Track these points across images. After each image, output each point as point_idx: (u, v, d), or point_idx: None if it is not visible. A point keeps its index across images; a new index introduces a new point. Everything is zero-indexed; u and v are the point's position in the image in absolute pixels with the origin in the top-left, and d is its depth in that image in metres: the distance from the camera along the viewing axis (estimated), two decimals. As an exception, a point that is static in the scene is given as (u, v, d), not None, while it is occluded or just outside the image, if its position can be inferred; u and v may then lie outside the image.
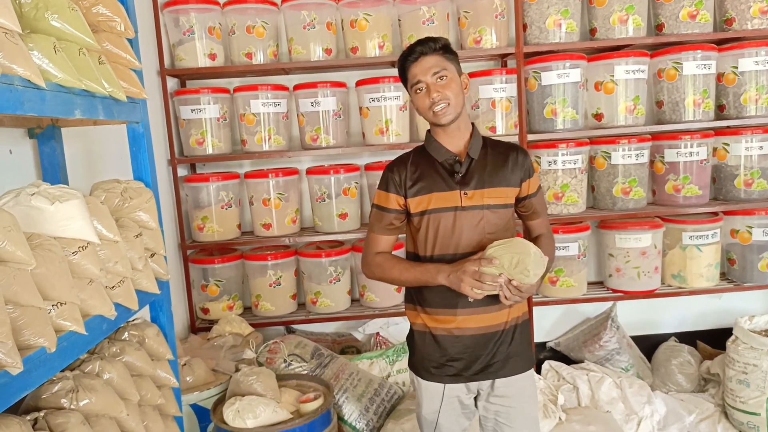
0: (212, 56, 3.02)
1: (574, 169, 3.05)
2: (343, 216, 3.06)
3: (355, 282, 3.21)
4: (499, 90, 3.03)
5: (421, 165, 1.77)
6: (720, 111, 3.17)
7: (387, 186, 1.78)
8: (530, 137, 3.02)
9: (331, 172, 3.04)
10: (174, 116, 3.06)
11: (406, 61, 1.74)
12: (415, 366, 1.83)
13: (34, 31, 1.24)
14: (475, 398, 1.83)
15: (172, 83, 3.10)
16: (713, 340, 3.29)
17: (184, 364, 2.35)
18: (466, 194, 1.71)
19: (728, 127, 3.11)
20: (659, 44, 3.08)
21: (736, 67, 3.06)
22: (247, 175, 3.09)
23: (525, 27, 3.06)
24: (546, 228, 1.90)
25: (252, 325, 2.93)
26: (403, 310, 3.07)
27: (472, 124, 1.82)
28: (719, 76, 3.12)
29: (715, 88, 3.12)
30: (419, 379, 1.81)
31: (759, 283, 3.13)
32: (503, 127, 3.05)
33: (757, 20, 3.00)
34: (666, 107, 3.11)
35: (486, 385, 1.78)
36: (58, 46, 1.25)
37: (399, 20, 3.10)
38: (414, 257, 1.81)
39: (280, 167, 3.16)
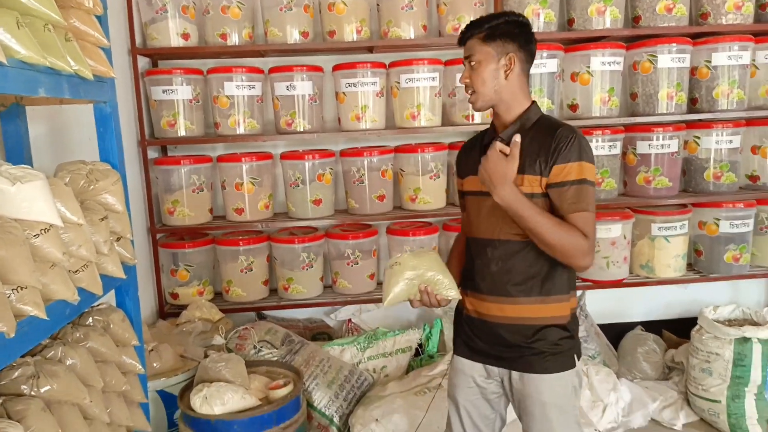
0: (185, 36, 2.95)
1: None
2: (317, 202, 3.03)
3: (328, 268, 3.20)
4: (476, 78, 3.02)
5: (473, 146, 1.80)
6: (692, 104, 3.21)
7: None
8: (506, 126, 3.02)
9: (306, 157, 3.00)
10: (145, 97, 2.99)
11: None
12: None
13: (-6, 4, 1.19)
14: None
15: (143, 63, 3.03)
16: (678, 330, 3.36)
17: (152, 350, 2.32)
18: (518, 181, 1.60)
19: (700, 120, 3.16)
20: (635, 36, 3.10)
21: (710, 62, 3.10)
22: (220, 159, 3.04)
23: (503, 15, 3.04)
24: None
25: (222, 311, 2.90)
26: (375, 297, 3.10)
27: (533, 102, 1.70)
28: (693, 70, 3.16)
29: (689, 82, 3.16)
30: (452, 355, 1.87)
31: (724, 274, 3.20)
32: (480, 115, 3.05)
33: (732, 15, 3.04)
34: (640, 99, 3.14)
35: (505, 376, 1.73)
36: (21, 21, 1.20)
37: (377, 5, 3.06)
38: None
39: (253, 151, 3.12)
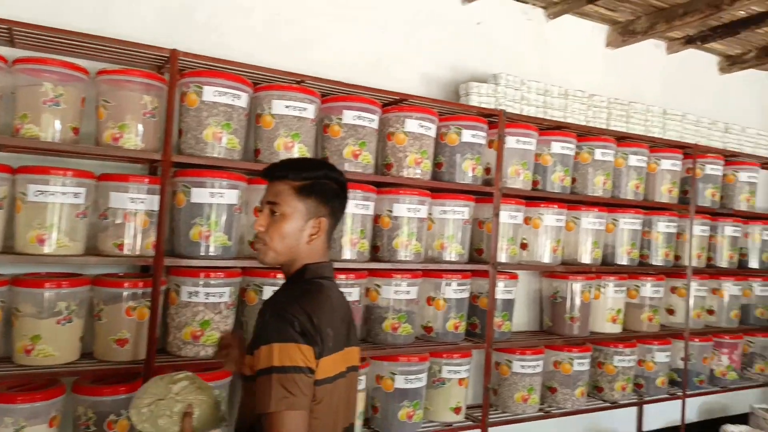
0: None
1: (220, 303, 2.61)
2: None
3: None
4: (137, 201, 2.48)
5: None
6: (375, 252, 3.14)
7: None
8: (169, 261, 2.50)
9: None
10: None
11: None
12: None
13: None
14: None
15: None
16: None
17: None
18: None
19: (381, 269, 3.08)
20: (323, 177, 2.95)
21: (391, 211, 3.09)
22: None
23: (181, 133, 2.63)
24: None
25: None
26: None
27: (304, 266, 1.54)
28: (376, 218, 3.12)
29: (372, 229, 3.10)
30: None
31: (399, 433, 3.05)
32: (138, 245, 2.48)
33: (412, 170, 3.10)
34: (324, 243, 2.95)
35: None
36: None
37: (13, 93, 2.37)
38: None
39: None
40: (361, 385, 2.93)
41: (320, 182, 1.56)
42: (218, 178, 2.60)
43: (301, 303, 1.43)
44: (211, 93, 2.59)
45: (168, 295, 2.60)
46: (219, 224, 2.61)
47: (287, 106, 2.76)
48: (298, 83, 2.84)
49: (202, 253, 2.58)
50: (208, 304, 2.58)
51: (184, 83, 2.61)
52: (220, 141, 2.63)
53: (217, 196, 2.60)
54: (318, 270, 1.56)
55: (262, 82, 2.81)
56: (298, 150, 2.79)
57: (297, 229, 1.53)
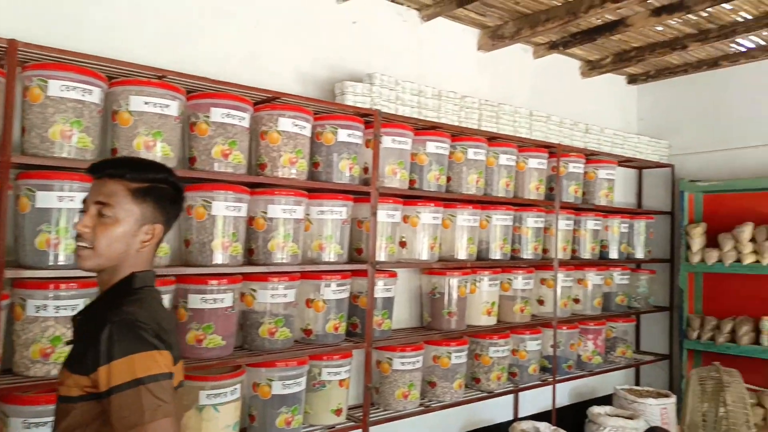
0: None
1: (70, 317, 2.40)
2: None
3: None
4: (-29, 207, 2.22)
5: None
6: (250, 255, 3.04)
7: None
8: (11, 273, 2.25)
9: None
10: None
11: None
12: None
13: None
14: None
15: None
16: None
17: None
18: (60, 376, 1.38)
19: (257, 273, 2.98)
20: (190, 178, 2.80)
21: (266, 213, 3.00)
22: None
23: (24, 131, 2.39)
24: None
25: None
26: None
27: (132, 275, 1.43)
28: (250, 220, 3.01)
29: (246, 231, 2.99)
30: None
31: (277, 441, 2.96)
32: (-29, 256, 2.22)
33: (286, 169, 3.03)
34: (193, 248, 2.81)
35: None
36: None
37: None
38: None
39: None
40: (236, 394, 2.81)
41: (159, 186, 1.47)
42: (68, 180, 2.39)
43: (146, 310, 1.38)
44: (57, 87, 2.36)
45: (12, 310, 2.35)
46: (70, 230, 2.40)
47: (147, 103, 2.59)
48: (158, 78, 2.66)
49: (51, 263, 2.35)
50: (60, 318, 2.36)
51: (26, 77, 2.37)
52: (70, 140, 2.41)
53: (66, 200, 2.38)
54: (145, 279, 1.49)
55: (120, 76, 2.62)
56: (161, 149, 2.63)
57: (129, 235, 1.42)
